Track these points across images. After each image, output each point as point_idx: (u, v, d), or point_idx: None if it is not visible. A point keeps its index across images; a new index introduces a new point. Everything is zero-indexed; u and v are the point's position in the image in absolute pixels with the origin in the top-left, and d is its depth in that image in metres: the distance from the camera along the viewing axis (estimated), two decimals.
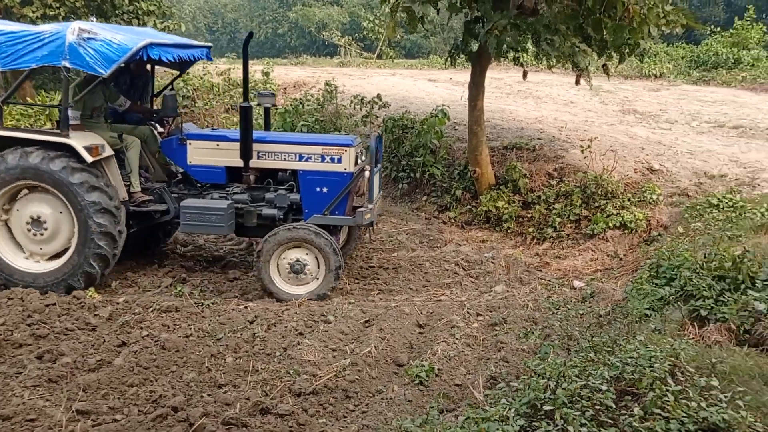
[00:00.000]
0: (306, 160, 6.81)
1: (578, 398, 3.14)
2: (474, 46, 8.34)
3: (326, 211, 6.77)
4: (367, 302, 6.49)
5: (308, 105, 11.23)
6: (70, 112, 6.42)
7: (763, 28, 19.50)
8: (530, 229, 8.82)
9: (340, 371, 4.83)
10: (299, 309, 6.10)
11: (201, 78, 13.30)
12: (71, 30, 6.08)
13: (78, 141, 6.29)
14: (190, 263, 7.61)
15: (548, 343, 4.75)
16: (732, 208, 7.30)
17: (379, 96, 10.68)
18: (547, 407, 3.09)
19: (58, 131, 6.40)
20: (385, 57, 22.40)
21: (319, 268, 6.62)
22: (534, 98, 14.24)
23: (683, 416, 2.97)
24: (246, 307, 6.16)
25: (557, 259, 8.19)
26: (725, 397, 3.22)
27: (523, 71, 9.51)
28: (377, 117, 10.66)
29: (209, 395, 4.55)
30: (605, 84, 14.48)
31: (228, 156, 6.86)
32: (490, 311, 6.14)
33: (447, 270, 7.49)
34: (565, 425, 2.94)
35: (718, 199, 7.59)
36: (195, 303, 6.24)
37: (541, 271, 7.80)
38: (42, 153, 6.25)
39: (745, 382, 3.54)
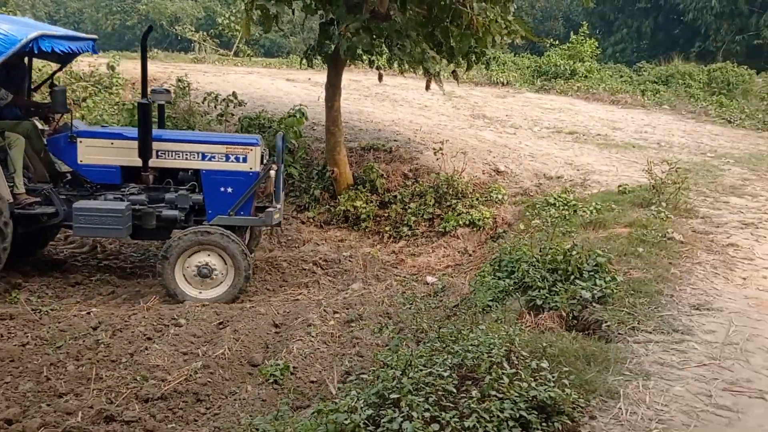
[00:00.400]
0: (209, 160, 6.64)
1: (423, 385, 3.31)
2: (329, 47, 8.45)
3: (231, 211, 6.61)
4: (221, 304, 6.37)
5: None
6: None
7: (594, 42, 21.39)
8: (387, 228, 9.08)
9: (191, 375, 4.73)
10: (147, 313, 5.88)
11: (40, 70, 12.30)
12: None
13: None
14: (27, 267, 7.05)
15: (399, 336, 4.93)
16: (566, 207, 7.97)
17: (234, 94, 10.48)
18: (393, 396, 3.22)
19: None
20: (242, 55, 21.95)
21: (227, 271, 6.45)
22: (391, 101, 14.64)
23: (516, 396, 3.23)
24: (89, 313, 5.84)
25: (412, 257, 8.50)
26: (553, 376, 3.53)
27: (378, 74, 9.76)
28: (233, 115, 10.45)
29: (48, 405, 4.30)
30: (457, 90, 15.20)
31: (123, 155, 6.54)
32: (347, 308, 6.26)
33: (305, 269, 7.54)
34: (410, 411, 3.08)
35: (555, 198, 8.26)
36: (32, 309, 5.81)
37: (396, 268, 8.06)
38: None
39: (571, 363, 3.91)
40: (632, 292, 5.10)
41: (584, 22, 24.53)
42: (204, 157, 6.66)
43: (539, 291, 5.17)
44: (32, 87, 7.41)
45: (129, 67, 13.96)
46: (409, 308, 6.05)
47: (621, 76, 21.04)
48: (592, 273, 5.30)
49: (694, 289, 5.29)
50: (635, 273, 5.56)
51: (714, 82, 19.89)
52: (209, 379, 4.75)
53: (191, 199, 6.69)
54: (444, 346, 4.00)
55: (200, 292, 6.47)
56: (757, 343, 4.33)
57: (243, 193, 6.65)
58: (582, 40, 20.76)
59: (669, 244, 6.27)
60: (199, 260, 6.42)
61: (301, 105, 9.94)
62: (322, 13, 8.23)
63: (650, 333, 4.47)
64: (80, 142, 6.52)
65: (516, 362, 3.68)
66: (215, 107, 10.43)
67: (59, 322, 5.54)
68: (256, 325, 5.70)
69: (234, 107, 10.43)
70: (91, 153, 6.56)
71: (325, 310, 6.08)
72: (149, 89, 6.97)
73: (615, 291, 5.06)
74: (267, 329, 5.70)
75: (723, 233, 6.84)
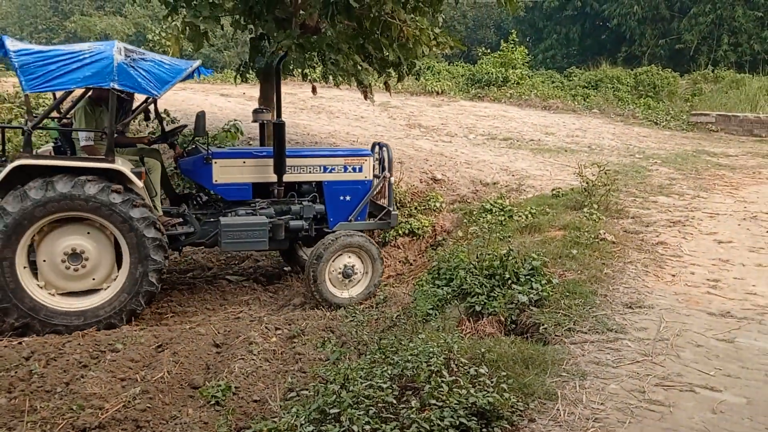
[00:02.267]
0: (330, 172, 7.17)
1: (363, 398, 3.30)
2: (262, 62, 8.39)
3: (351, 218, 7.18)
4: (159, 326, 6.20)
5: None
6: (82, 134, 6.17)
7: (525, 50, 21.95)
8: None
9: (129, 401, 4.56)
10: (82, 340, 5.64)
11: None
12: (117, 50, 5.71)
13: (124, 166, 5.85)
14: None
15: (339, 349, 4.91)
16: (502, 212, 8.10)
17: (166, 111, 10.26)
18: (334, 410, 3.20)
19: (99, 157, 5.89)
20: None
21: (365, 270, 6.96)
22: (327, 113, 14.64)
23: (455, 403, 3.26)
24: (20, 343, 5.56)
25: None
26: (492, 382, 3.58)
27: (312, 87, 9.75)
28: None
29: None
30: (393, 100, 15.33)
31: (254, 172, 6.93)
32: (289, 324, 6.17)
33: (245, 287, 7.42)
34: (350, 426, 3.07)
35: (491, 204, 8.38)
36: None
37: None
38: (99, 182, 5.69)
39: (509, 367, 3.97)
40: (567, 293, 5.23)
41: (514, 30, 25.14)
42: (325, 169, 7.18)
43: (478, 297, 5.24)
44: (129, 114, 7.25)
45: None
46: (351, 321, 6.04)
47: (553, 82, 21.65)
48: (528, 277, 5.41)
49: (626, 288, 5.46)
50: (570, 275, 5.71)
51: (641, 86, 20.69)
52: (148, 405, 4.59)
53: (315, 209, 7.12)
54: (384, 357, 4.01)
55: (342, 292, 6.87)
56: (686, 337, 4.50)
57: (360, 201, 7.24)
58: (512, 47, 21.26)
59: (601, 244, 6.45)
60: (344, 262, 6.84)
61: (235, 120, 9.81)
62: (252, 27, 8.17)
63: (586, 333, 4.59)
64: (215, 163, 6.76)
65: (455, 369, 3.71)
66: (147, 125, 10.19)
67: None
68: (196, 346, 5.56)
69: (167, 124, 10.20)
70: (225, 173, 6.83)
71: (266, 327, 5.99)
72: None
73: (551, 293, 5.18)
74: (207, 350, 5.57)
75: (652, 232, 7.09)
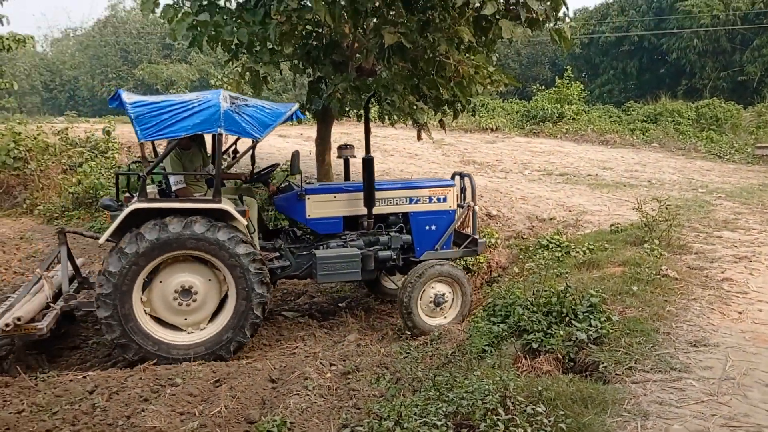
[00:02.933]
0: (416, 203, 7.44)
1: None
2: (319, 104, 8.63)
3: (437, 246, 7.38)
4: (217, 361, 6.32)
5: None
6: (172, 178, 6.47)
7: (580, 85, 21.82)
8: None
9: None
10: (144, 374, 5.81)
11: (35, 138, 12.50)
12: (223, 98, 6.04)
13: (229, 206, 6.21)
14: None
15: (394, 385, 4.89)
16: (559, 248, 7.99)
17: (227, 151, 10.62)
18: None
19: (206, 198, 6.27)
20: None
21: (455, 298, 7.09)
22: (381, 151, 14.83)
23: None
24: (85, 377, 5.76)
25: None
26: (549, 421, 3.51)
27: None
28: None
29: None
30: (447, 137, 15.43)
31: (344, 206, 7.22)
32: (343, 360, 6.20)
33: (300, 322, 7.50)
34: None
35: (547, 240, 8.28)
36: (28, 376, 5.76)
37: (392, 316, 8.02)
38: (206, 222, 6.02)
39: (567, 406, 3.88)
40: (628, 331, 5.09)
41: (569, 66, 25.05)
42: (411, 200, 7.43)
43: (534, 334, 5.16)
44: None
45: (125, 131, 14.17)
46: (405, 357, 6.02)
47: (610, 117, 21.38)
48: (586, 314, 5.30)
49: (690, 326, 5.27)
50: (630, 312, 5.56)
51: (702, 119, 20.22)
52: None
53: (402, 239, 7.32)
54: (439, 394, 3.99)
55: (434, 320, 7.03)
56: (754, 377, 4.31)
57: (445, 230, 7.44)
58: (567, 83, 21.16)
59: (663, 281, 6.28)
60: (435, 291, 6.99)
61: (286, 162, 10.05)
62: (310, 71, 8.43)
63: (647, 372, 4.45)
64: (308, 198, 7.06)
65: (512, 408, 3.66)
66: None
67: (55, 388, 5.46)
68: (252, 381, 5.64)
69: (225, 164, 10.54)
70: (317, 208, 7.12)
71: (321, 363, 6.02)
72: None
73: (611, 331, 5.06)
74: (263, 385, 5.63)
75: (717, 268, 6.85)
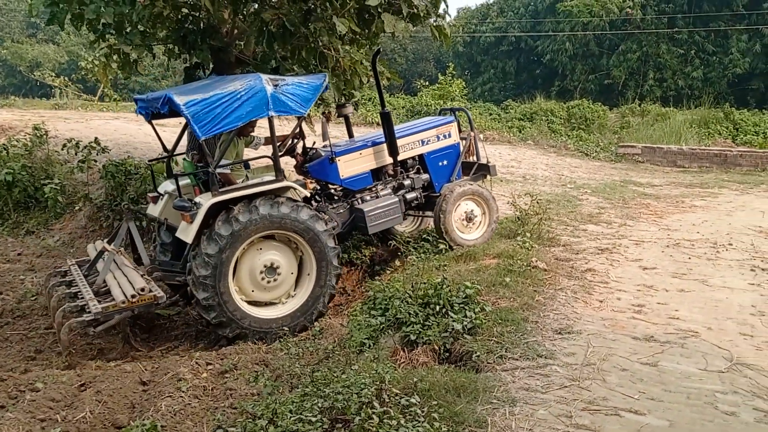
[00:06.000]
0: (427, 144, 8.04)
1: None
2: None
3: (452, 178, 8.12)
4: (84, 364, 5.95)
5: (15, 151, 10.08)
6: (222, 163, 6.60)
7: (462, 83, 22.49)
8: None
9: None
10: (1, 381, 5.37)
11: None
12: (265, 81, 6.26)
13: (290, 183, 6.67)
14: None
15: (272, 383, 4.80)
16: (439, 240, 8.15)
17: (96, 140, 9.99)
18: None
19: (271, 179, 6.59)
20: (108, 99, 21.04)
21: (483, 212, 7.93)
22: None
23: None
24: None
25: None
26: (423, 411, 3.56)
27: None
28: (96, 162, 9.94)
29: None
30: (333, 131, 15.32)
31: (370, 160, 7.66)
32: (221, 359, 6.02)
33: (176, 320, 7.21)
34: None
35: (427, 233, 8.44)
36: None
37: None
38: (289, 203, 6.49)
39: (441, 396, 3.97)
40: (500, 321, 5.29)
41: (451, 63, 25.75)
42: (423, 143, 8.03)
43: (413, 326, 5.24)
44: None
45: None
46: (285, 354, 5.93)
47: (490, 114, 22.19)
48: (462, 305, 5.44)
49: (556, 315, 5.56)
50: (503, 302, 5.78)
51: (573, 118, 21.46)
52: None
53: (422, 179, 8.00)
54: (315, 390, 3.95)
55: (467, 235, 7.85)
56: (612, 362, 4.60)
57: (455, 162, 8.20)
58: (450, 80, 21.74)
59: (533, 272, 6.58)
60: (464, 209, 7.78)
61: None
62: (186, 57, 8.08)
63: (517, 360, 4.64)
64: (339, 160, 7.39)
65: (387, 400, 3.68)
66: (76, 154, 9.88)
67: None
68: (121, 384, 5.35)
69: (97, 154, 9.93)
70: (349, 167, 7.50)
71: (197, 362, 5.81)
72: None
73: (484, 321, 5.23)
74: (133, 387, 5.36)
75: (582, 259, 7.28)
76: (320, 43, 7.20)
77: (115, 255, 6.70)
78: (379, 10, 7.11)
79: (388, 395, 3.73)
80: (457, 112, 8.51)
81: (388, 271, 8.01)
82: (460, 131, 8.33)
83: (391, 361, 4.70)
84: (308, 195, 6.91)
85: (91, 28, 7.31)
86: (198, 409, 5.00)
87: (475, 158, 8.40)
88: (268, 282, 6.61)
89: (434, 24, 7.56)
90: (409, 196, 7.87)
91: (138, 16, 6.50)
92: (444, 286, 5.60)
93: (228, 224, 6.21)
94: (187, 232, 6.28)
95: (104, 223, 9.33)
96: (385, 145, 7.68)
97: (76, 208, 9.72)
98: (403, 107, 21.53)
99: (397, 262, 8.16)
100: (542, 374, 4.38)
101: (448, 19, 7.90)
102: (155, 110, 6.52)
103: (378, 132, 8.27)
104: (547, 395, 4.07)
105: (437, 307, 5.42)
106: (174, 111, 6.14)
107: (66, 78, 22.99)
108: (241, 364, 5.83)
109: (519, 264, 6.70)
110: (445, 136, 8.20)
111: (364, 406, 3.49)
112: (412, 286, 5.86)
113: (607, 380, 4.30)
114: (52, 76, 22.51)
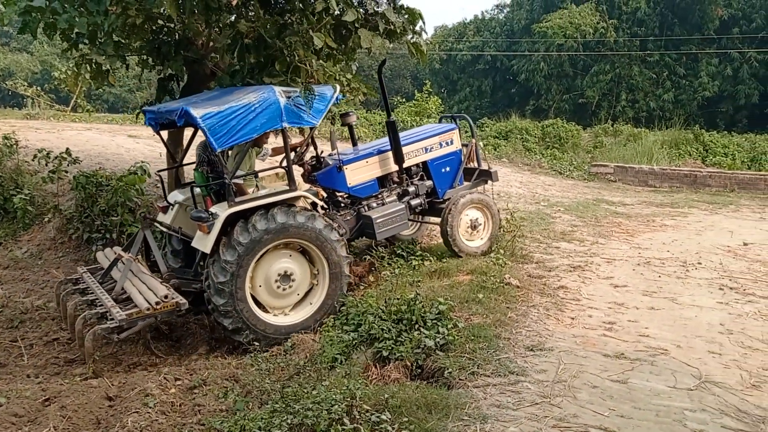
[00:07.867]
0: (430, 151, 8.25)
1: None
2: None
3: (455, 184, 8.38)
4: (49, 378, 5.81)
5: None
6: (239, 173, 6.72)
7: (438, 100, 22.63)
8: None
9: None
10: None
11: None
12: (278, 93, 6.37)
13: (304, 192, 6.87)
14: None
15: (242, 399, 4.72)
16: (413, 256, 8.15)
17: (68, 150, 9.82)
18: None
19: (285, 189, 6.71)
20: (81, 110, 20.77)
21: (487, 223, 8.17)
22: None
23: None
24: None
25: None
26: (393, 428, 3.53)
27: None
28: (66, 173, 9.77)
29: None
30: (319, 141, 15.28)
31: (376, 168, 7.86)
32: (190, 374, 5.92)
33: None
34: None
35: (402, 249, 8.44)
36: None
37: None
38: (305, 212, 6.61)
39: (412, 413, 3.93)
40: (472, 337, 5.28)
41: (428, 80, 25.93)
42: (426, 150, 8.23)
43: (385, 342, 5.21)
44: None
45: None
46: (256, 369, 5.85)
47: (466, 132, 22.32)
48: (435, 321, 5.44)
49: (528, 331, 5.58)
50: (476, 318, 5.78)
51: (547, 137, 21.68)
52: None
53: (426, 185, 8.18)
54: (285, 405, 3.89)
55: (472, 242, 8.09)
56: (583, 379, 4.62)
57: (457, 168, 8.45)
58: (426, 97, 21.87)
59: (506, 289, 6.60)
60: (469, 217, 8.00)
61: (143, 162, 9.52)
62: (160, 68, 8.01)
63: (488, 376, 4.63)
64: (347, 169, 7.55)
65: (357, 417, 3.64)
66: (46, 165, 9.71)
67: None
68: (86, 399, 5.23)
69: (68, 165, 9.76)
70: (356, 175, 7.68)
71: (165, 378, 5.71)
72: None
73: (456, 337, 5.22)
74: (99, 403, 5.24)
75: (554, 276, 7.33)
76: (296, 57, 7.18)
77: (132, 263, 6.71)
78: (356, 25, 7.13)
79: (358, 412, 3.70)
80: (458, 120, 8.77)
81: (362, 287, 7.97)
82: (473, 136, 8.69)
83: (363, 377, 4.67)
84: (319, 203, 7.08)
85: (64, 38, 7.23)
86: (165, 425, 4.89)
87: (476, 164, 8.62)
88: (283, 290, 6.71)
89: (411, 41, 7.60)
90: (414, 202, 8.07)
91: (111, 26, 6.44)
92: (417, 302, 5.59)
93: (246, 232, 6.33)
94: (204, 242, 6.39)
95: (73, 234, 9.16)
96: (390, 153, 7.88)
97: (45, 219, 9.53)
98: (379, 123, 21.58)
99: (371, 278, 8.13)
100: (514, 391, 4.38)
101: (425, 36, 7.96)
102: (165, 121, 6.63)
103: (382, 140, 8.49)
104: (518, 412, 4.06)
105: (410, 323, 5.41)
106: (189, 123, 6.19)
107: (39, 88, 22.69)
108: (211, 379, 5.74)
109: (492, 280, 6.72)
110: (447, 143, 8.41)
111: (334, 423, 3.45)
112: (386, 302, 5.84)
113: (577, 397, 4.31)
114: (24, 85, 22.19)
